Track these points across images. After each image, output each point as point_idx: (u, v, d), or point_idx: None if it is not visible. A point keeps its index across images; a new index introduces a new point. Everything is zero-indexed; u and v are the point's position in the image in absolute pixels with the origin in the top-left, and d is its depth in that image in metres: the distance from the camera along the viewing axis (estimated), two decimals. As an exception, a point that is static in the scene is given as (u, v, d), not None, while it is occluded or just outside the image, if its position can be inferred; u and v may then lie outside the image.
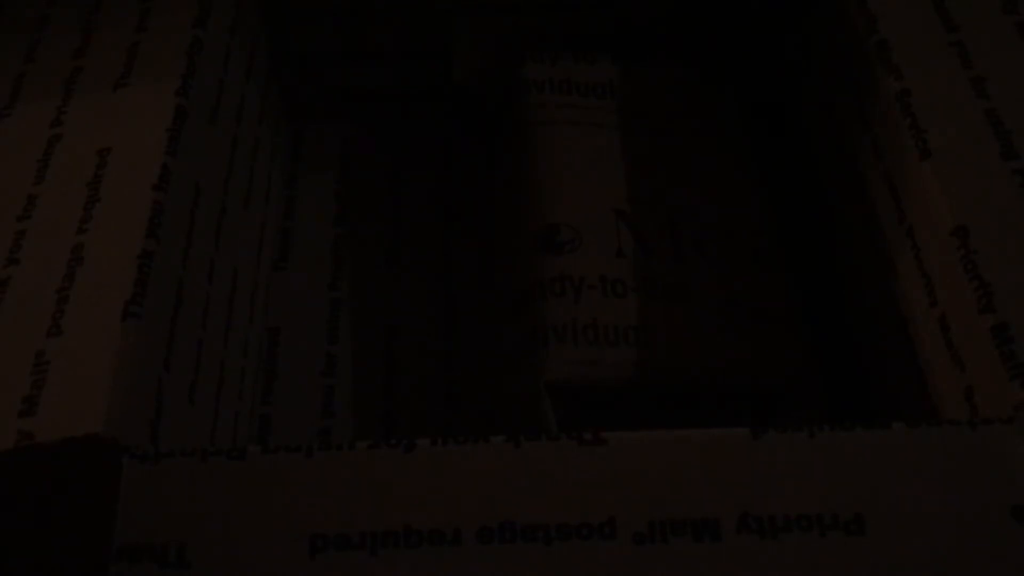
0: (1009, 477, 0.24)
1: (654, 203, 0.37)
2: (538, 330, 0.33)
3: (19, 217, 0.29)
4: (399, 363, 0.38)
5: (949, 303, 0.28)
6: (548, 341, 0.33)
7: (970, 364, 0.27)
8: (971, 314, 0.27)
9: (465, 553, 0.23)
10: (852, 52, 0.34)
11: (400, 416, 0.37)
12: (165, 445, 0.27)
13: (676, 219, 0.36)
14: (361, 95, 0.46)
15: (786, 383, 0.34)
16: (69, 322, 0.26)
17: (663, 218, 0.36)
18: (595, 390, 0.33)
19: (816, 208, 0.39)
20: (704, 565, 0.23)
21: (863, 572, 0.23)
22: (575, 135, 0.39)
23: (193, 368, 0.31)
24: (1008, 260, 0.27)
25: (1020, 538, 0.23)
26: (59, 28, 0.34)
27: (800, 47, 0.41)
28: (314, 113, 0.46)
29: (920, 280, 0.30)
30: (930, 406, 0.30)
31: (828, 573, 0.23)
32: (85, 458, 0.24)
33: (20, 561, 0.25)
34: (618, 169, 0.38)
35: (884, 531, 0.23)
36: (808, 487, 0.24)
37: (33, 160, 0.30)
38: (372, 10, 0.42)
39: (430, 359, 0.38)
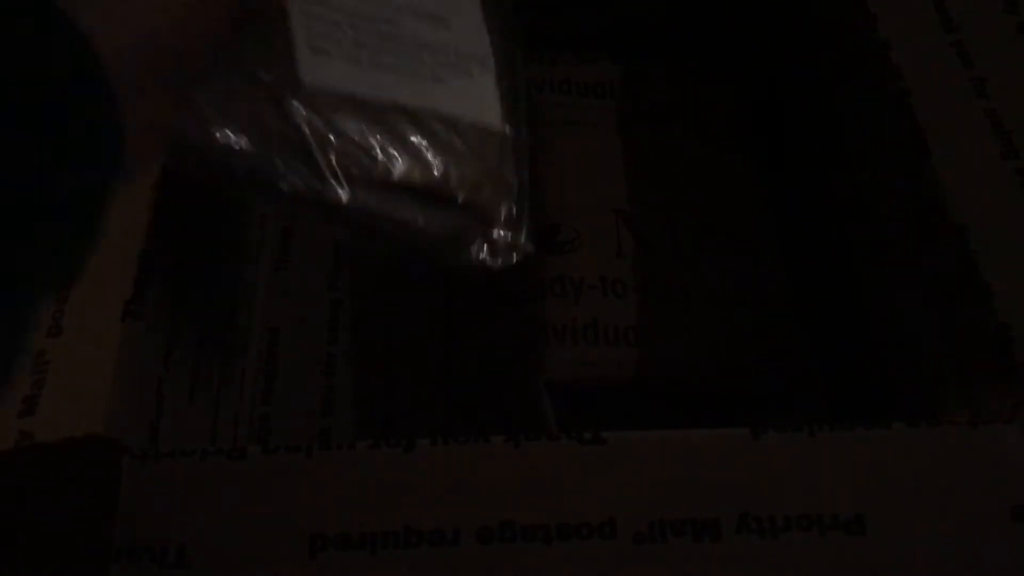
0: (1009, 477, 0.24)
1: (654, 203, 0.37)
2: (538, 330, 0.34)
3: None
4: (399, 363, 0.38)
5: (950, 303, 0.28)
6: (548, 341, 0.33)
7: (970, 364, 0.27)
8: (971, 314, 0.27)
9: (465, 553, 0.23)
10: (852, 52, 0.34)
11: (400, 416, 0.37)
12: (165, 445, 0.27)
13: (676, 219, 0.36)
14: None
15: (786, 383, 0.34)
16: (69, 322, 0.26)
17: (663, 218, 0.36)
18: (595, 390, 0.33)
19: (816, 208, 0.39)
20: (704, 565, 0.23)
21: (863, 572, 0.23)
22: (575, 135, 0.39)
23: (193, 368, 0.31)
24: (1008, 260, 0.27)
25: (1020, 538, 0.23)
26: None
27: (801, 47, 0.41)
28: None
29: (921, 280, 0.30)
30: (930, 406, 0.30)
31: (828, 573, 0.23)
32: (85, 458, 0.24)
33: (20, 560, 0.25)
34: (618, 169, 0.38)
35: (884, 531, 0.23)
36: (808, 487, 0.24)
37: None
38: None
39: (430, 359, 0.38)
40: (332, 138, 0.28)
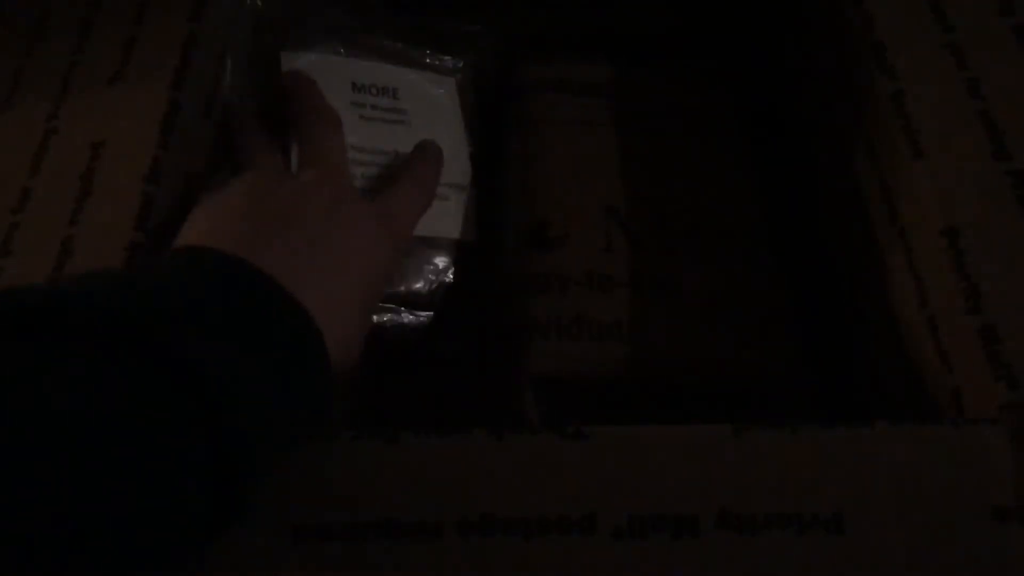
0: (991, 477, 0.24)
1: (646, 200, 0.37)
2: (523, 325, 0.34)
3: (14, 210, 0.29)
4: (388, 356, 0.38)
5: (938, 304, 0.28)
6: (533, 336, 0.33)
7: (958, 365, 0.27)
8: (959, 315, 0.27)
9: (445, 546, 0.23)
10: (848, 52, 0.34)
11: (388, 408, 0.37)
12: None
13: (667, 216, 0.36)
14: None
15: (774, 379, 0.34)
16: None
17: (654, 215, 0.36)
18: (580, 384, 0.33)
19: (813, 208, 0.39)
20: (682, 561, 0.23)
21: (842, 570, 0.23)
22: (570, 134, 0.39)
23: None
24: (997, 262, 0.27)
25: (1000, 538, 0.23)
26: (58, 23, 0.34)
27: (798, 47, 0.41)
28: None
29: (911, 281, 0.30)
30: (918, 405, 0.30)
31: (806, 571, 0.23)
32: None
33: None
34: (611, 167, 0.38)
35: (864, 530, 0.23)
36: (789, 485, 0.24)
37: (29, 153, 0.30)
38: (371, 7, 0.42)
39: (418, 353, 0.38)
40: None
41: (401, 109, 0.37)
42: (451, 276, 0.36)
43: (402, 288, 0.35)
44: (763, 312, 0.35)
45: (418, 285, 0.36)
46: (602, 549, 0.23)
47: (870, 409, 0.34)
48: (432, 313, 0.36)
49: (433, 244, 0.36)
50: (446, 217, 0.37)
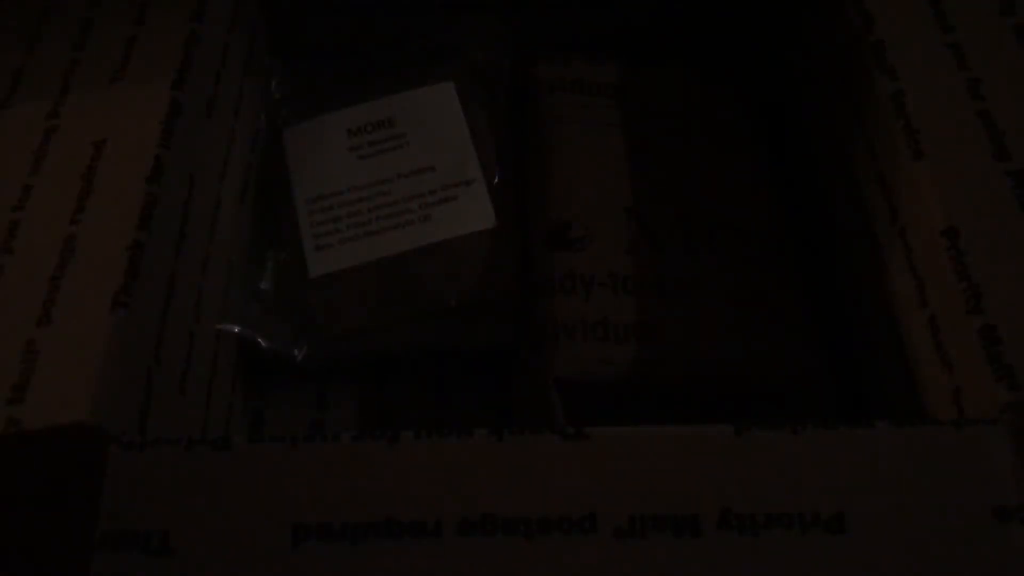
0: (992, 478, 0.24)
1: (664, 200, 0.37)
2: (548, 326, 0.34)
3: (14, 207, 0.29)
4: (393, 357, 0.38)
5: (939, 304, 0.28)
6: (557, 338, 0.33)
7: (958, 365, 0.27)
8: (960, 315, 0.27)
9: (445, 545, 0.23)
10: (849, 52, 0.34)
11: (395, 409, 0.37)
12: (155, 435, 0.27)
13: (687, 216, 0.36)
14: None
15: (796, 379, 0.34)
16: (59, 312, 0.26)
17: (673, 215, 0.36)
18: (604, 387, 0.33)
19: (816, 208, 0.39)
20: (684, 561, 0.23)
21: (843, 570, 0.23)
22: (586, 134, 0.39)
23: (185, 359, 0.31)
24: (998, 261, 0.27)
25: (1001, 538, 0.23)
26: (58, 22, 0.34)
27: (800, 48, 0.41)
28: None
29: (911, 281, 0.30)
30: (918, 405, 0.30)
31: (808, 571, 0.23)
32: (70, 445, 0.24)
33: (5, 543, 0.26)
34: (628, 167, 0.38)
35: (865, 530, 0.23)
36: (790, 485, 0.24)
37: (30, 151, 0.30)
38: (374, 4, 0.42)
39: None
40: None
41: (399, 134, 0.39)
42: (478, 273, 0.37)
43: (431, 295, 0.36)
44: (785, 310, 0.35)
45: (445, 290, 0.36)
46: (603, 549, 0.23)
47: (870, 409, 0.34)
48: (461, 317, 0.36)
49: (453, 245, 0.37)
50: (459, 214, 0.38)
